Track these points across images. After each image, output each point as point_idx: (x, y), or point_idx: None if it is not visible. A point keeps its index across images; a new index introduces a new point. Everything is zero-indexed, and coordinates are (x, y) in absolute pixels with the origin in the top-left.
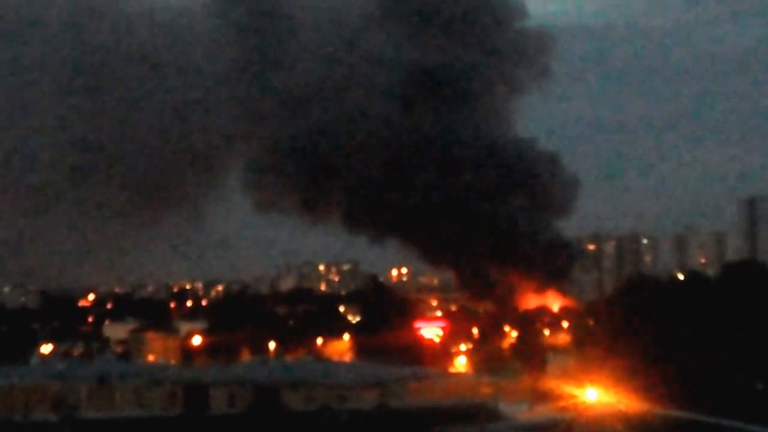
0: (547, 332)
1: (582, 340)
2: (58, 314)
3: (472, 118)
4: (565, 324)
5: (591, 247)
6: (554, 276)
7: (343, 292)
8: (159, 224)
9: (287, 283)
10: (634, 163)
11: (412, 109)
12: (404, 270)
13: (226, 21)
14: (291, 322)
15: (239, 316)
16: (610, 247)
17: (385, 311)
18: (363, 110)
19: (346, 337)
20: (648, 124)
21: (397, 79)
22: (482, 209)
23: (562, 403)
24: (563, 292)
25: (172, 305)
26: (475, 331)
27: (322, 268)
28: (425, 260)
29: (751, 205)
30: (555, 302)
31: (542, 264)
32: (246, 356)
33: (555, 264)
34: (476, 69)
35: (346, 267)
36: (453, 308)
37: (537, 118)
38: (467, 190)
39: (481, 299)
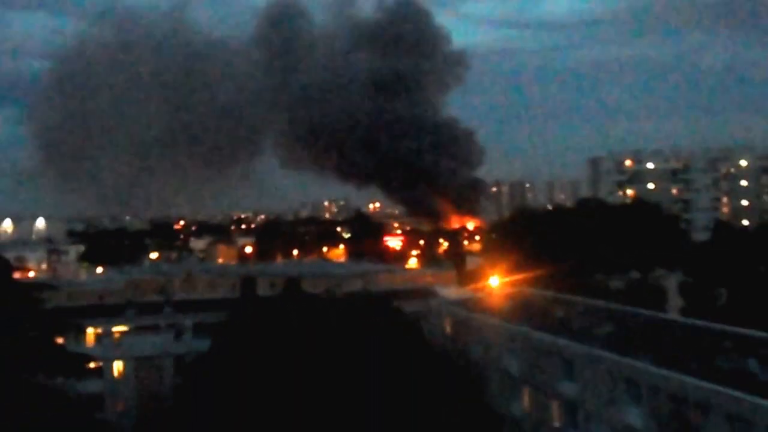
0: (466, 242)
1: (488, 247)
2: (161, 233)
3: (417, 104)
4: (477, 237)
5: (494, 189)
6: (470, 206)
7: (339, 219)
8: (224, 174)
9: (304, 213)
10: (522, 132)
11: (378, 99)
12: (377, 204)
13: (263, 44)
14: (307, 238)
15: (275, 234)
16: (506, 188)
17: (366, 230)
18: (349, 100)
19: (342, 247)
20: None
21: (369, 79)
22: (424, 165)
23: (476, 286)
24: (476, 216)
25: (233, 227)
26: (421, 242)
27: (326, 203)
28: (390, 198)
29: (594, 163)
30: (471, 223)
31: (463, 198)
32: (279, 259)
33: (471, 198)
34: (417, 73)
35: (341, 203)
36: (408, 228)
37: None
38: (414, 152)
39: (425, 222)
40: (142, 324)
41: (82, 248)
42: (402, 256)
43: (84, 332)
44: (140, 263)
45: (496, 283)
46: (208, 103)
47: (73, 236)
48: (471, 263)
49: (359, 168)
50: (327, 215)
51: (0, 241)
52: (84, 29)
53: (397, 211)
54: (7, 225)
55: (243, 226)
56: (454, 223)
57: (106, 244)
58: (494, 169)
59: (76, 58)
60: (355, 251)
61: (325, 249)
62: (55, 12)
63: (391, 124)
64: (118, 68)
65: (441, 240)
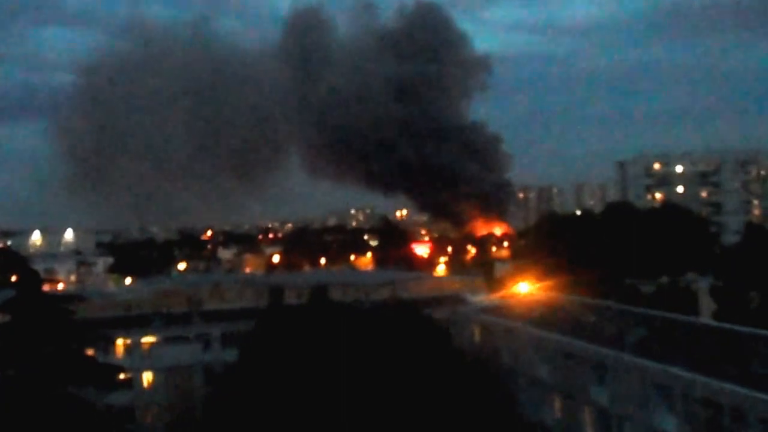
0: (494, 249)
1: (516, 253)
2: (189, 243)
3: (442, 110)
4: (505, 243)
5: (521, 194)
6: (498, 212)
7: (366, 227)
8: (251, 184)
9: (331, 222)
10: (549, 137)
11: (403, 105)
12: (405, 211)
13: (288, 53)
14: (334, 246)
15: (302, 243)
16: (533, 193)
17: (393, 238)
18: (373, 106)
19: (369, 255)
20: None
21: (393, 86)
22: (451, 170)
23: (504, 293)
24: (504, 222)
25: (260, 237)
26: (449, 249)
27: (353, 211)
28: (417, 205)
29: (622, 167)
30: (498, 229)
31: (490, 204)
32: (307, 268)
33: (498, 204)
34: (441, 79)
35: (368, 211)
36: (435, 235)
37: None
38: (441, 158)
39: (452, 228)
40: (170, 334)
41: (110, 260)
42: (430, 263)
43: (113, 343)
44: (168, 274)
45: (525, 289)
46: (234, 112)
47: (102, 248)
48: (499, 270)
49: (385, 175)
50: (354, 223)
51: (29, 253)
52: (110, 42)
53: (424, 218)
54: (36, 237)
55: (270, 236)
56: (482, 229)
57: (134, 255)
58: (522, 174)
59: (103, 70)
60: (382, 259)
61: (352, 257)
62: (78, 25)
63: (416, 130)
64: (143, 80)
65: (469, 246)
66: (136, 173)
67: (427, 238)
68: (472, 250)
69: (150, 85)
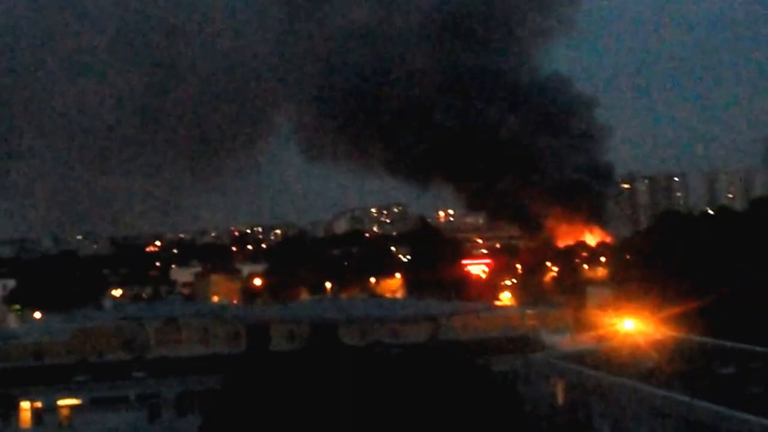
0: (586, 266)
1: (619, 273)
2: (127, 260)
3: (505, 58)
4: (602, 258)
5: (626, 186)
6: (591, 212)
7: (393, 234)
8: (220, 172)
9: (340, 227)
10: (663, 105)
11: (445, 50)
12: (450, 211)
13: None
14: (345, 263)
15: (297, 258)
16: (643, 185)
17: (433, 250)
18: (402, 52)
19: (398, 275)
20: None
21: (431, 22)
22: (517, 147)
23: (601, 333)
24: (600, 228)
25: (234, 249)
26: (518, 267)
27: (373, 211)
28: (467, 201)
29: None
30: (592, 237)
31: (579, 200)
32: (304, 296)
33: (591, 200)
34: (504, 13)
35: (396, 210)
36: (497, 246)
37: (570, 61)
38: (501, 128)
39: (522, 236)
40: (100, 395)
41: (10, 283)
42: (489, 287)
43: (16, 407)
44: (98, 305)
45: (633, 326)
46: (194, 67)
47: None
48: (594, 297)
49: (419, 155)
50: (375, 229)
51: None
52: None
53: (479, 221)
54: None
55: (249, 247)
56: (567, 236)
57: (46, 276)
58: (626, 158)
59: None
60: (418, 282)
61: (373, 279)
62: None
63: (467, 88)
64: (59, 33)
65: (548, 263)
66: (46, 164)
67: (484, 251)
68: (552, 269)
69: (69, 41)
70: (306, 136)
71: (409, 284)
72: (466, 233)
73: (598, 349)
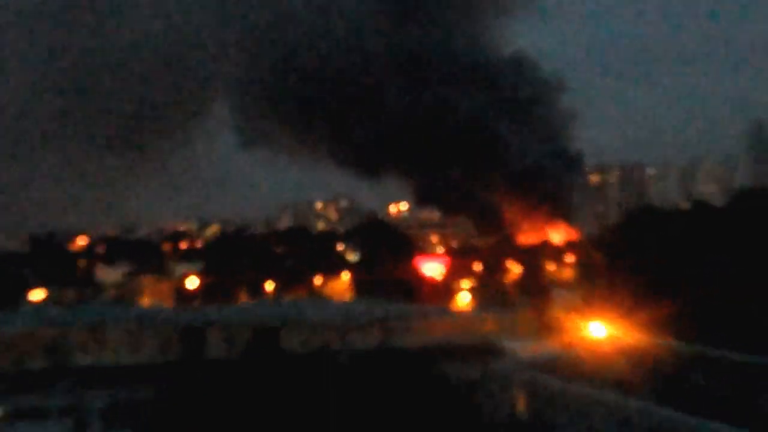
0: (551, 267)
1: (587, 273)
2: (49, 258)
3: (461, 34)
4: (569, 258)
5: (594, 178)
6: (556, 205)
7: (341, 230)
8: (150, 163)
9: (283, 222)
10: (639, 92)
11: (396, 26)
12: (404, 206)
13: None
14: (288, 262)
15: (235, 256)
16: (613, 177)
17: (384, 248)
18: (349, 27)
19: (345, 275)
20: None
21: None
22: (477, 133)
23: (568, 339)
24: (567, 224)
25: (166, 247)
26: (477, 266)
27: (318, 205)
28: (421, 194)
29: (760, 130)
30: (559, 236)
31: (543, 192)
32: (243, 298)
33: (557, 192)
34: None
35: (343, 204)
36: (454, 244)
37: (535, 39)
38: (459, 112)
39: (481, 232)
40: (20, 407)
41: None
42: (446, 289)
43: None
44: (14, 308)
45: (601, 331)
46: (117, 42)
47: None
48: (560, 299)
49: (368, 143)
50: (321, 225)
51: None
52: None
53: (435, 216)
54: None
55: (183, 245)
56: (531, 233)
57: None
58: (595, 146)
59: None
60: (368, 283)
61: (318, 280)
62: None
63: (418, 66)
64: None
65: (509, 262)
66: None
67: (440, 249)
68: (514, 269)
69: None
70: (244, 123)
71: (358, 285)
72: (421, 229)
73: (563, 356)
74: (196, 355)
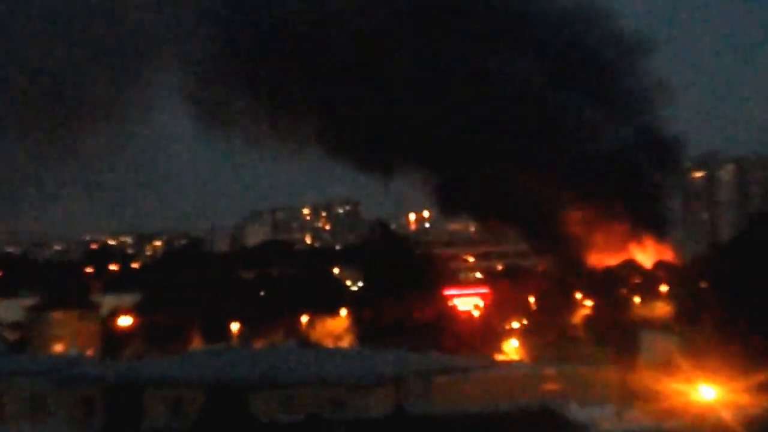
0: (637, 300)
1: (689, 310)
2: None
3: None
4: (663, 287)
5: (698, 175)
6: (644, 215)
7: (337, 247)
8: (67, 153)
9: (255, 235)
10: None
11: None
12: (425, 213)
13: None
14: (262, 292)
15: (186, 284)
16: (726, 173)
17: (398, 273)
18: None
19: (344, 312)
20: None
21: None
22: (531, 112)
23: (662, 405)
24: (659, 239)
25: (89, 270)
26: (531, 300)
27: (306, 212)
28: (446, 200)
29: None
30: (647, 256)
31: (626, 197)
32: (197, 344)
33: (646, 197)
34: None
35: (341, 210)
36: (498, 267)
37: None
38: (509, 83)
39: (536, 253)
40: None
41: None
42: (486, 332)
43: None
44: None
45: (710, 394)
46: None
47: None
48: (650, 347)
49: (371, 125)
50: (308, 238)
51: None
52: None
53: (472, 228)
54: None
55: (112, 267)
56: (606, 253)
57: None
58: (697, 136)
59: None
60: (374, 323)
61: (304, 318)
62: None
63: (442, 16)
64: None
65: (577, 295)
66: None
67: (477, 274)
68: (584, 303)
69: None
70: (202, 103)
71: (361, 326)
72: (450, 247)
73: (658, 430)
74: (129, 426)
